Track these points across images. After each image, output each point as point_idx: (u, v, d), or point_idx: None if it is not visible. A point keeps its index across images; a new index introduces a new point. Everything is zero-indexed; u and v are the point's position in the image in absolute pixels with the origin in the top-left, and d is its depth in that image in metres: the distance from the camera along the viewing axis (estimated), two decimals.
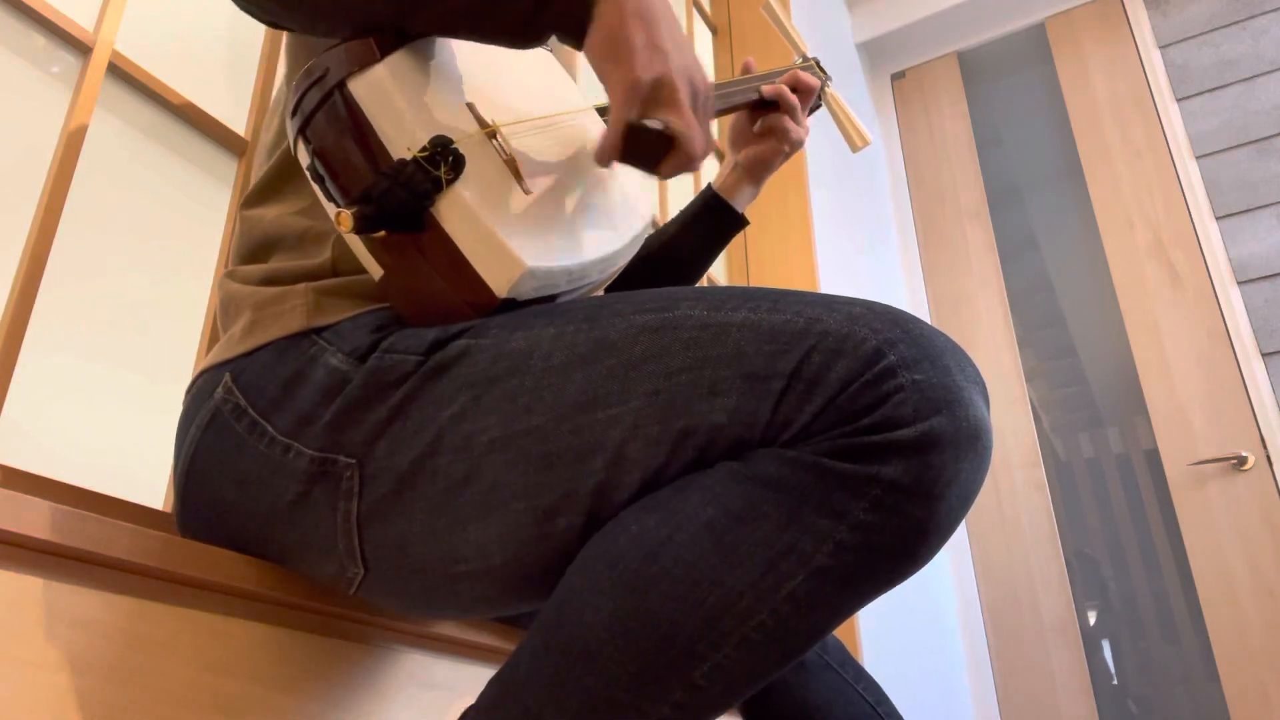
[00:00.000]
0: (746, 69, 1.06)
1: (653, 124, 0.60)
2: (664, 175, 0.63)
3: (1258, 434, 2.19)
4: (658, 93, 0.60)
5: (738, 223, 1.05)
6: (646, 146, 0.60)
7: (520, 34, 0.61)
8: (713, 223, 1.04)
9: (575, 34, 0.61)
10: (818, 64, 1.13)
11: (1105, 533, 2.38)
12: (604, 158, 0.62)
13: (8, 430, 0.80)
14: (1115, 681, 2.26)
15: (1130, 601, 2.31)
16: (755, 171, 1.04)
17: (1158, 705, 2.20)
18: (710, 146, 0.65)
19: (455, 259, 0.59)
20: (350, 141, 0.60)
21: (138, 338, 0.93)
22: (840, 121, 1.12)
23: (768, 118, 1.03)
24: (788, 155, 1.05)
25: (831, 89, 1.13)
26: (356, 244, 0.63)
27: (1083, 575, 2.37)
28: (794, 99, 1.02)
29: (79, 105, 0.90)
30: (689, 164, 0.62)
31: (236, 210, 0.84)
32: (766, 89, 1.02)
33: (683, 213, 1.06)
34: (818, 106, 1.12)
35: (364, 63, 0.60)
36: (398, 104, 0.60)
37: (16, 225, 0.84)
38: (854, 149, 1.12)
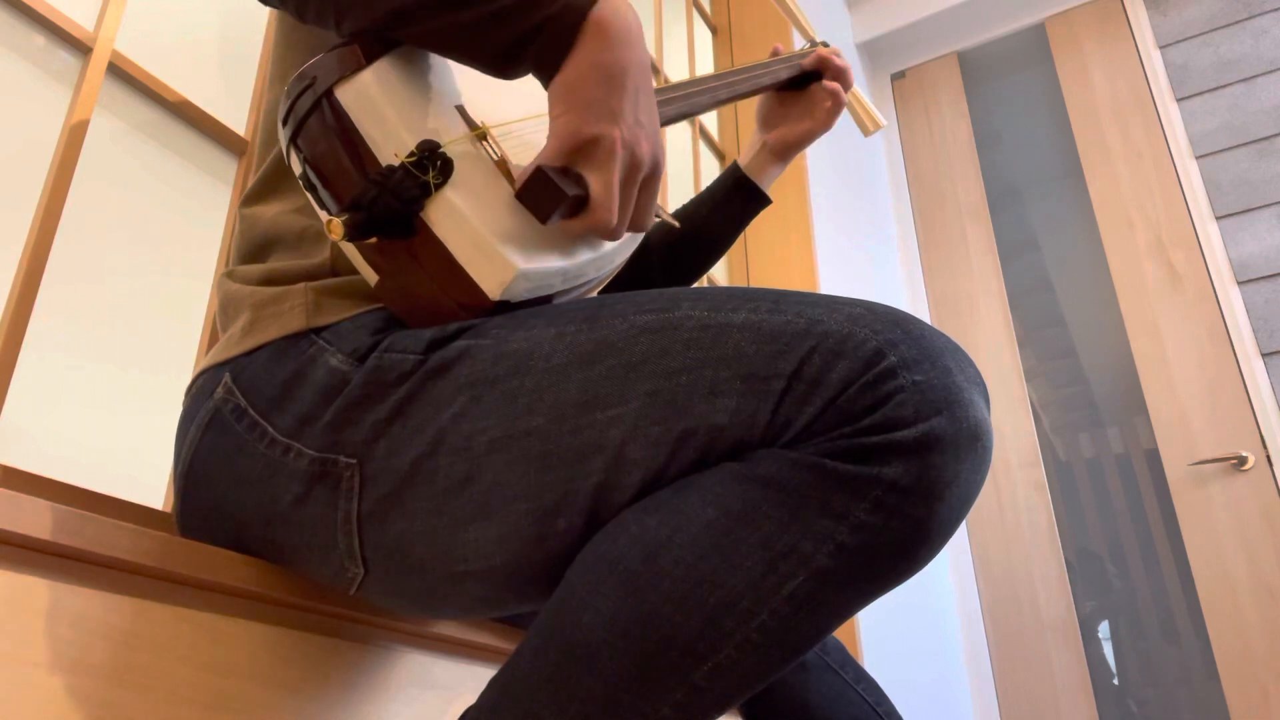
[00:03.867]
0: (775, 54, 1.09)
1: (564, 182, 0.58)
2: (569, 232, 0.61)
3: (1258, 434, 2.19)
4: (590, 149, 0.59)
5: (764, 202, 1.09)
6: (547, 197, 0.58)
7: (498, 66, 0.61)
8: (742, 203, 1.08)
9: (548, 76, 0.61)
10: (825, 47, 1.14)
11: (1105, 533, 2.38)
12: (516, 187, 0.61)
13: (8, 430, 0.80)
14: (1115, 681, 2.26)
15: (1130, 601, 2.31)
16: (783, 152, 1.08)
17: (1158, 705, 2.20)
18: (638, 226, 0.64)
19: (447, 263, 0.59)
20: (339, 149, 0.60)
21: (138, 338, 0.93)
22: (852, 106, 1.14)
23: (813, 88, 1.07)
24: (818, 134, 1.08)
25: None
26: (351, 250, 0.63)
27: (1083, 575, 2.37)
28: (844, 64, 1.07)
29: (79, 105, 0.90)
30: (598, 231, 0.60)
31: (236, 209, 0.84)
32: (807, 61, 1.07)
33: (709, 194, 1.09)
34: None
35: (351, 69, 0.60)
36: (384, 110, 0.59)
37: (16, 225, 0.84)
38: (866, 133, 1.13)
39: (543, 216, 0.59)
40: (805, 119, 1.07)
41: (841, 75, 1.08)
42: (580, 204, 0.60)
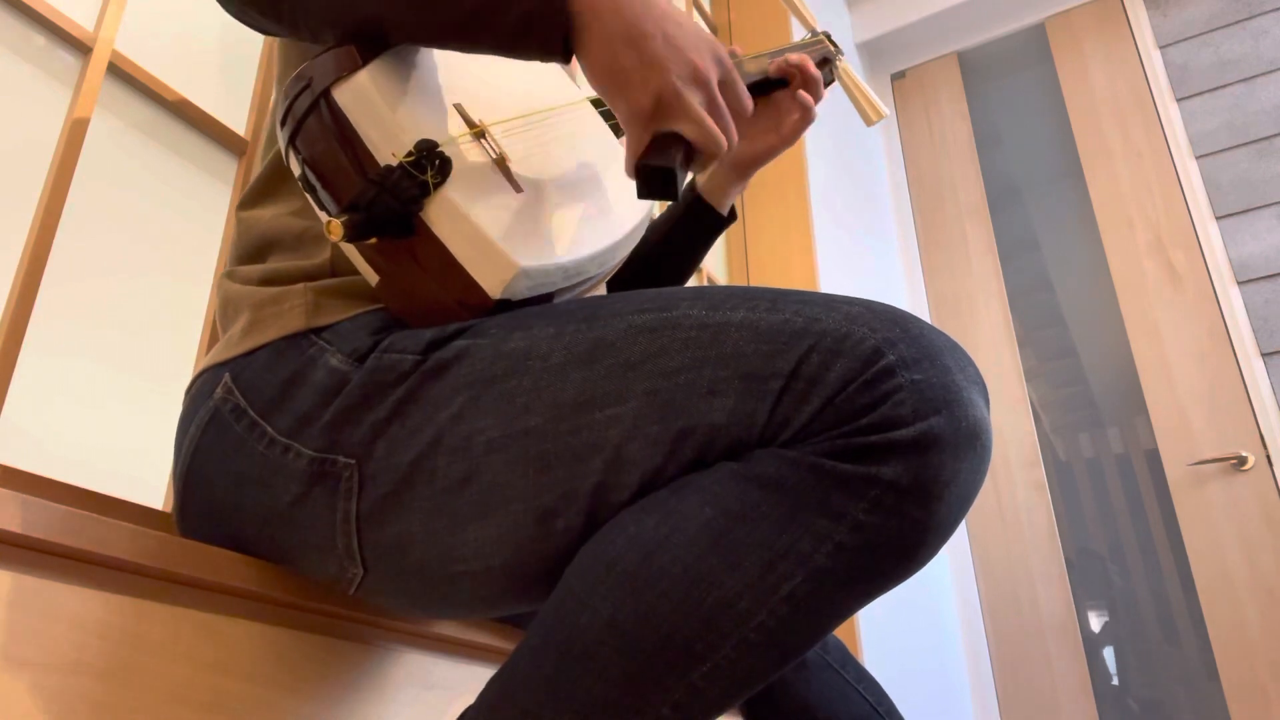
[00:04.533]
0: (731, 54, 0.94)
1: (662, 156, 0.59)
2: (696, 172, 0.62)
3: (1258, 434, 2.19)
4: (662, 110, 0.59)
5: (724, 222, 0.99)
6: (660, 183, 0.60)
7: (506, 54, 0.60)
8: (698, 226, 0.98)
9: (561, 59, 0.60)
10: (828, 37, 1.03)
11: (1105, 533, 2.38)
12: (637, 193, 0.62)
13: (8, 430, 0.80)
14: (1115, 681, 2.26)
15: (1130, 601, 2.31)
16: (743, 169, 0.95)
17: (1158, 705, 2.20)
18: (741, 113, 0.64)
19: (447, 262, 0.59)
20: (337, 150, 0.60)
21: (138, 338, 0.93)
22: (854, 96, 1.02)
23: (778, 96, 0.93)
24: (780, 150, 0.95)
25: (844, 63, 1.02)
26: (351, 250, 0.63)
27: (1083, 575, 2.37)
28: (815, 72, 0.92)
29: (79, 105, 0.90)
30: (716, 158, 0.62)
31: (234, 212, 0.84)
32: (772, 66, 0.93)
33: (668, 213, 1.01)
34: (830, 82, 1.01)
35: (347, 70, 0.60)
36: (381, 110, 0.59)
37: (17, 225, 0.84)
38: (869, 123, 1.04)
39: (672, 197, 0.60)
40: (769, 133, 0.93)
41: (814, 86, 0.93)
42: (691, 154, 0.61)
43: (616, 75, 0.58)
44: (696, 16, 2.38)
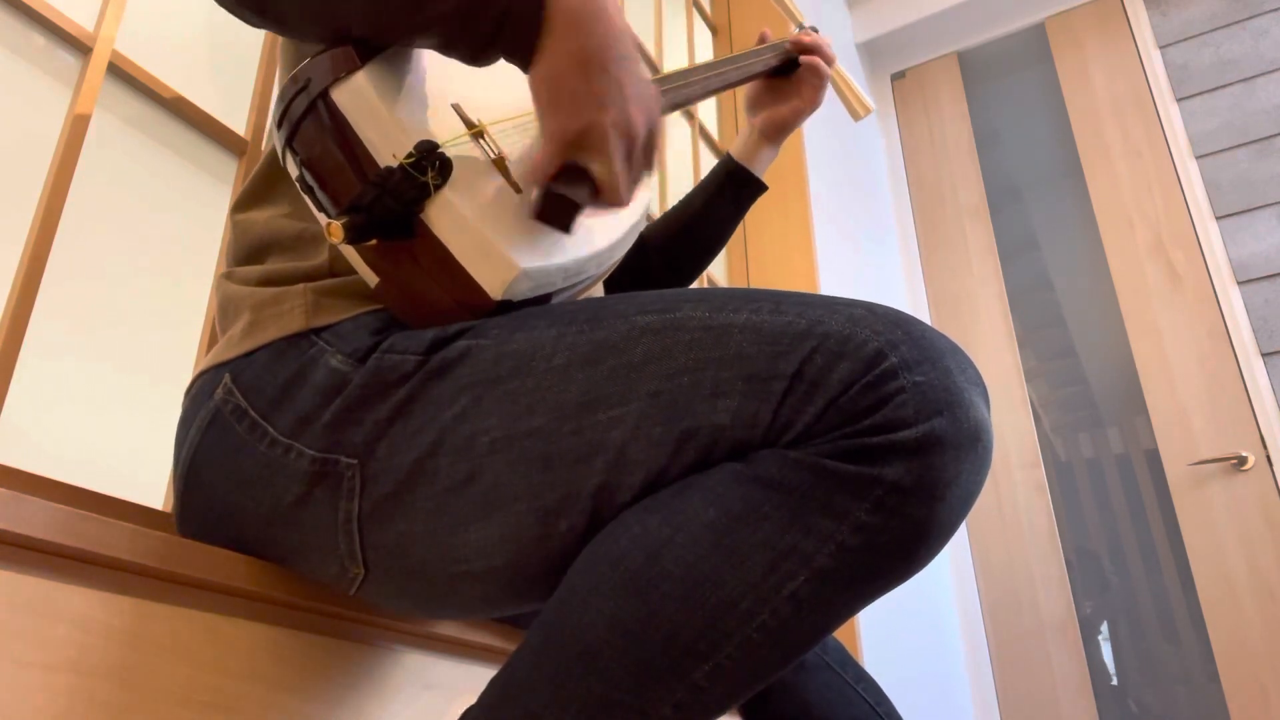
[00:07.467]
0: (763, 39, 1.09)
1: (573, 189, 0.60)
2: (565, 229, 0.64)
3: (1258, 434, 2.19)
4: (584, 141, 0.59)
5: (758, 188, 1.09)
6: (563, 212, 0.60)
7: (472, 60, 0.61)
8: (737, 191, 1.08)
9: (523, 64, 0.60)
10: (815, 32, 1.16)
11: (1105, 533, 2.38)
12: (530, 211, 0.62)
13: (8, 430, 0.79)
14: (1115, 681, 2.26)
15: (1130, 601, 2.31)
16: (773, 134, 1.08)
17: (1158, 705, 2.20)
18: (647, 171, 0.66)
19: (448, 264, 0.59)
20: (336, 151, 0.59)
21: (138, 338, 0.92)
22: (841, 90, 1.14)
23: (800, 69, 1.08)
24: (806, 113, 1.08)
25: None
26: (350, 252, 0.62)
27: (1083, 575, 2.37)
28: (820, 40, 1.09)
29: (79, 105, 0.90)
30: (612, 208, 0.63)
31: (228, 214, 0.84)
32: (790, 44, 1.08)
33: (705, 185, 1.10)
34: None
35: (345, 71, 0.60)
36: (380, 110, 0.59)
37: (17, 225, 0.84)
38: (856, 118, 1.13)
39: (566, 229, 0.60)
40: (793, 98, 1.08)
41: (818, 49, 1.08)
42: (595, 194, 0.61)
43: (557, 92, 0.58)
44: (696, 17, 2.38)
